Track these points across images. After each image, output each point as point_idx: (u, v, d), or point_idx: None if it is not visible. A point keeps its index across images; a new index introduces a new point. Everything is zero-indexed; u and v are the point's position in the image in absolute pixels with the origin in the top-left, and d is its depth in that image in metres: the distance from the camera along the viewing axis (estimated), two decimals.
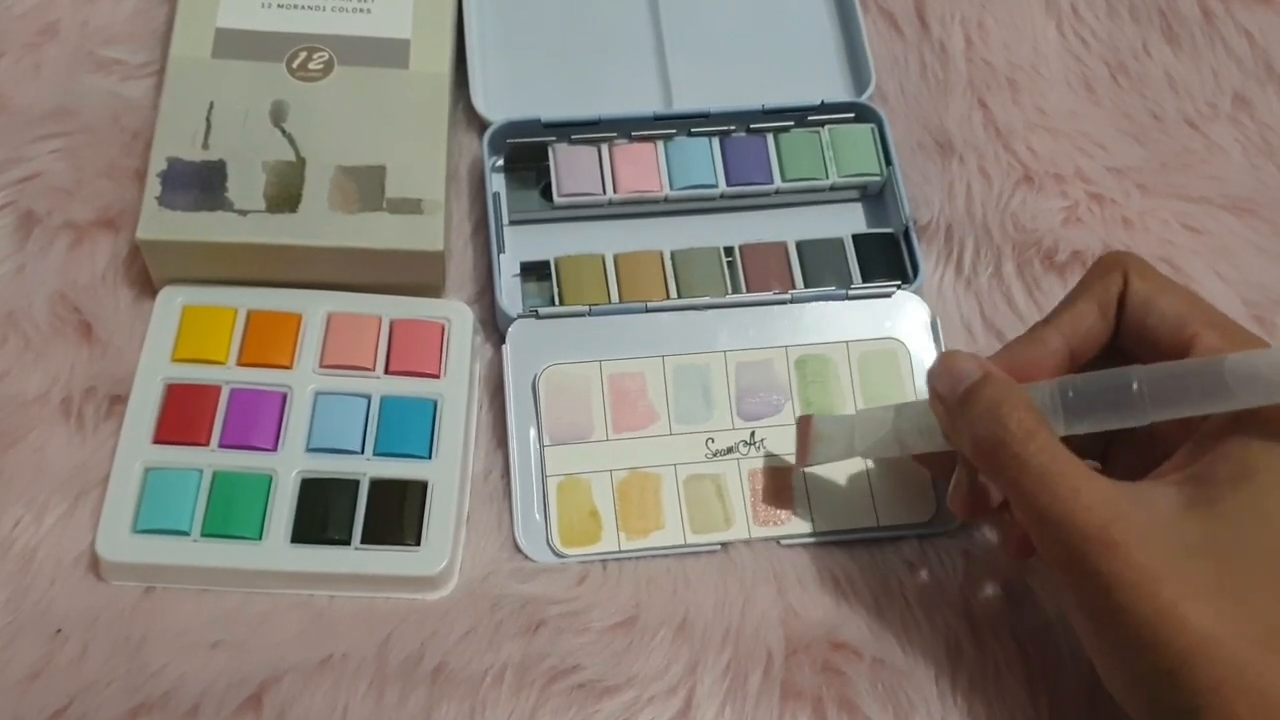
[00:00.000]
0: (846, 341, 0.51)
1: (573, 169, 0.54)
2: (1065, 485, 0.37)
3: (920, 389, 0.51)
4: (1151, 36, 0.61)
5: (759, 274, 0.53)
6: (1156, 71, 0.60)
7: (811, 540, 0.48)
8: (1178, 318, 0.40)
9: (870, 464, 0.49)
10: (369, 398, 0.48)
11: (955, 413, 0.40)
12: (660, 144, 0.55)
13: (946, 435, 0.42)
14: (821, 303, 0.52)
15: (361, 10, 0.54)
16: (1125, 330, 0.42)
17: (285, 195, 0.49)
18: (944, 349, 0.51)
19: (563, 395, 0.50)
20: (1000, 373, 0.40)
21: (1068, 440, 0.38)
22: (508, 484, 0.48)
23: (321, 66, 0.52)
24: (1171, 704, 0.36)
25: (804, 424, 0.48)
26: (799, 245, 0.54)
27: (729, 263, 0.53)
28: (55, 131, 0.53)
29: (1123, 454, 0.43)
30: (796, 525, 0.48)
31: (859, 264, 0.53)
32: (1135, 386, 0.38)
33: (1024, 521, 0.39)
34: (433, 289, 0.51)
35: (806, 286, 0.52)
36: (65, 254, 0.51)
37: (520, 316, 0.50)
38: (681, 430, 0.50)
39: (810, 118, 0.55)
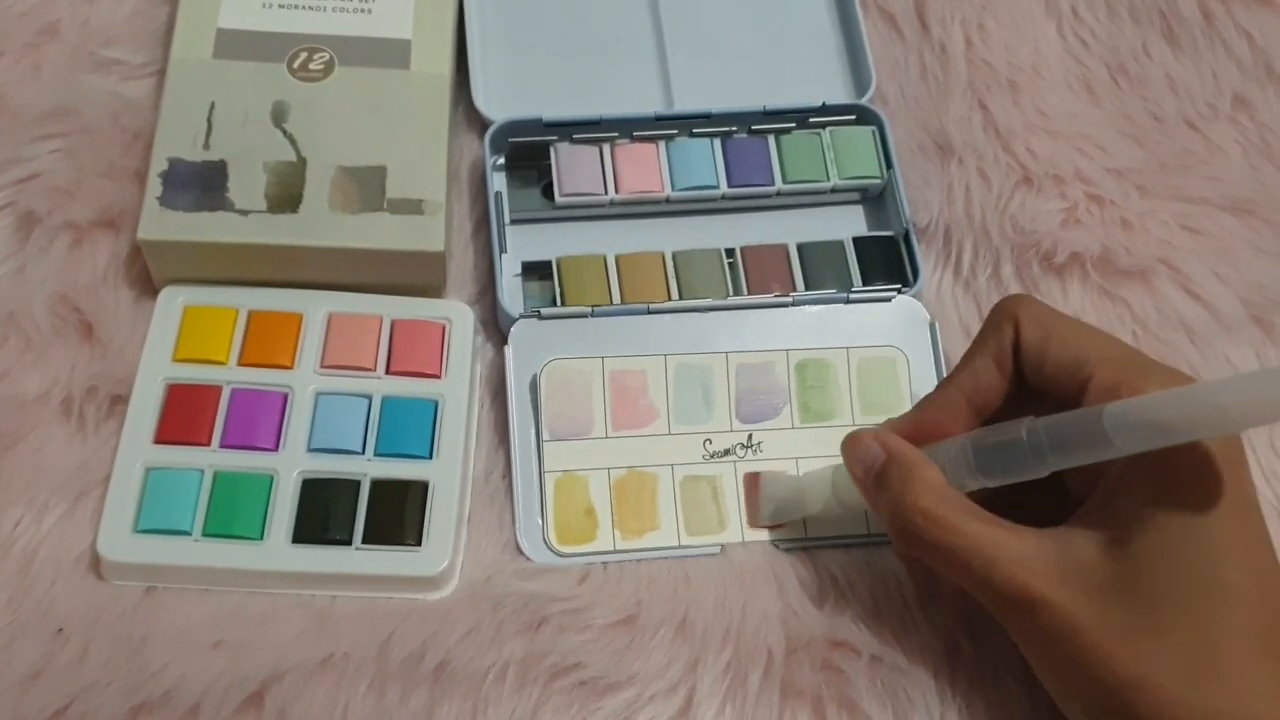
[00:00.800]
0: (847, 347, 0.51)
1: (574, 169, 0.54)
2: (980, 557, 0.38)
3: (919, 397, 0.51)
4: (1151, 38, 0.61)
5: (760, 276, 0.53)
6: (1156, 73, 0.60)
7: (803, 546, 0.48)
8: (1072, 361, 0.40)
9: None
10: (370, 398, 0.48)
11: (871, 495, 0.42)
12: (662, 145, 0.55)
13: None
14: (821, 306, 0.52)
15: (362, 10, 0.54)
16: (1028, 377, 0.41)
17: (286, 195, 0.49)
18: (942, 354, 0.51)
19: (564, 390, 0.50)
20: (903, 451, 0.41)
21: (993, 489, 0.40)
22: (509, 484, 0.48)
23: (322, 67, 0.52)
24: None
25: (751, 482, 0.49)
26: (800, 247, 0.54)
27: (730, 264, 0.53)
28: (55, 132, 0.53)
29: (1048, 494, 0.42)
30: (788, 531, 0.48)
31: (859, 266, 0.53)
32: (1026, 438, 0.38)
33: (965, 588, 0.41)
34: (434, 289, 0.52)
35: (807, 289, 0.52)
36: (66, 254, 0.51)
37: (522, 317, 0.51)
38: (680, 430, 0.50)
39: (811, 120, 0.55)
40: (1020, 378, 0.42)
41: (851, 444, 0.43)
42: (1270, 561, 0.38)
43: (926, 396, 0.44)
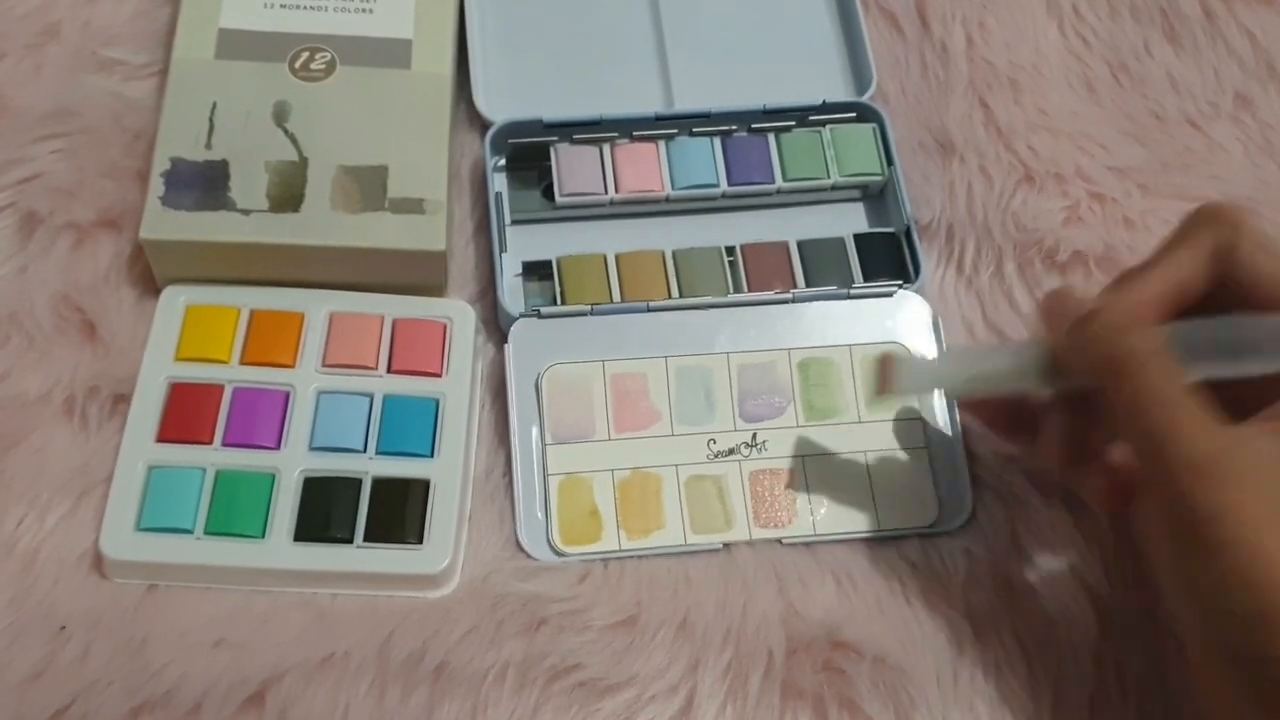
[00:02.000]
0: (850, 345, 0.51)
1: (574, 169, 0.54)
2: (1181, 410, 0.37)
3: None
4: (1153, 36, 0.61)
5: (760, 273, 0.53)
6: (1158, 71, 0.60)
7: (808, 543, 0.48)
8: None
9: (871, 466, 0.49)
10: (371, 396, 0.49)
11: (1074, 332, 0.40)
12: (662, 144, 0.55)
13: (1055, 361, 0.41)
14: (823, 302, 0.52)
15: (364, 10, 0.54)
16: (1239, 284, 0.40)
17: (288, 195, 0.49)
18: (945, 348, 0.51)
19: (565, 394, 0.50)
20: (1130, 307, 0.40)
21: None
22: (509, 483, 0.48)
23: (324, 67, 0.52)
24: (1252, 646, 0.35)
25: (887, 359, 0.46)
26: (800, 245, 0.54)
27: (730, 262, 0.53)
28: (56, 132, 0.53)
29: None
30: (797, 528, 0.48)
31: (860, 263, 0.53)
32: (1247, 336, 0.38)
33: (1132, 442, 0.39)
34: (435, 288, 0.52)
35: (808, 286, 0.52)
36: (68, 254, 0.51)
37: (522, 316, 0.51)
38: (683, 431, 0.50)
39: (811, 118, 0.55)
40: (1231, 282, 0.40)
41: (1061, 290, 0.42)
42: None
43: (1118, 280, 0.42)
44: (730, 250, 0.53)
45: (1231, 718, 0.37)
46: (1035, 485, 0.49)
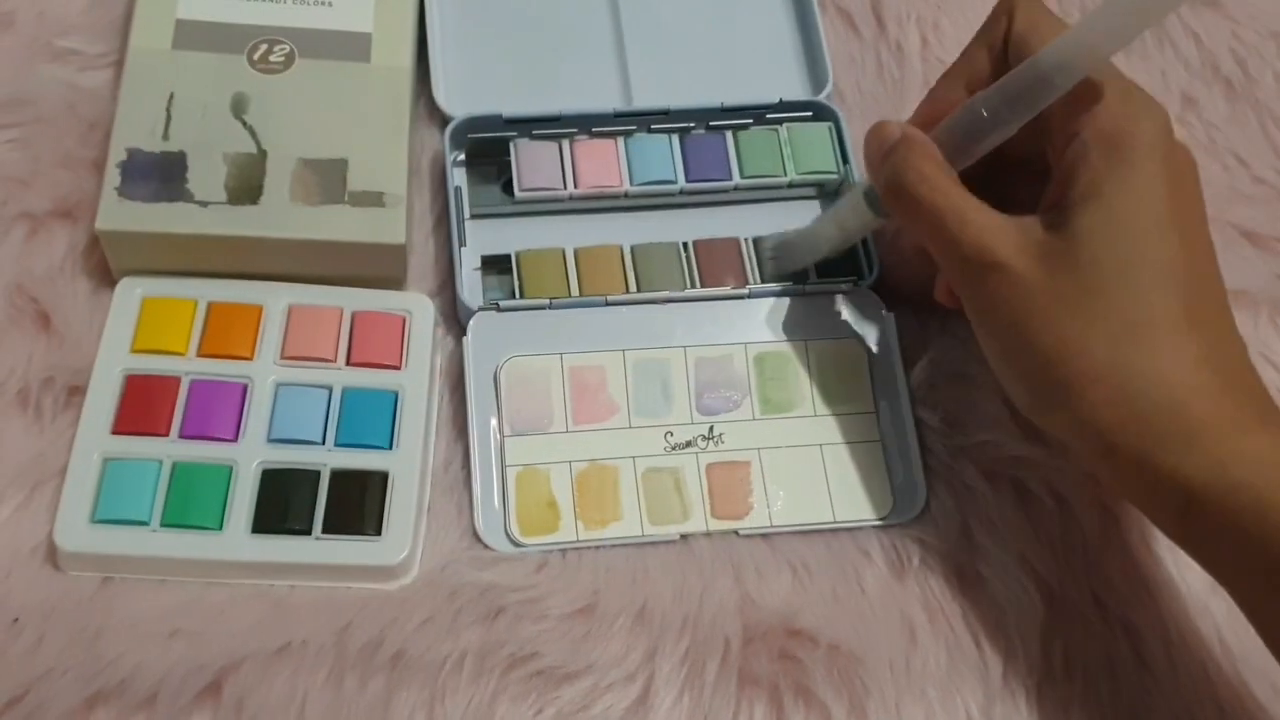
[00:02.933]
0: (805, 340, 0.52)
1: (534, 164, 0.54)
2: (955, 218, 0.43)
3: (878, 388, 0.52)
4: None
5: (712, 269, 0.53)
6: None
7: (764, 534, 0.48)
8: None
9: (827, 459, 0.50)
10: (330, 389, 0.48)
11: (877, 169, 0.46)
12: (620, 140, 0.55)
13: (874, 193, 0.47)
14: (779, 299, 0.53)
15: (323, 3, 0.54)
16: (1013, 65, 0.44)
17: (246, 187, 0.49)
18: (898, 347, 0.52)
19: (524, 386, 0.50)
20: (915, 132, 0.45)
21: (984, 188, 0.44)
22: (467, 475, 0.49)
23: (282, 59, 0.52)
24: (1046, 394, 0.42)
25: (767, 252, 0.53)
26: (755, 241, 0.54)
27: (687, 257, 0.53)
28: (10, 122, 0.53)
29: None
30: (753, 520, 0.49)
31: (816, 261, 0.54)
32: (981, 105, 0.43)
33: (932, 252, 0.45)
34: (394, 282, 0.52)
35: (762, 282, 0.53)
36: (22, 244, 0.51)
37: (481, 309, 0.51)
38: (641, 423, 0.50)
39: (768, 116, 0.56)
40: (1008, 67, 0.44)
41: (875, 129, 0.46)
42: (1205, 252, 0.42)
43: (931, 90, 0.48)
44: (685, 246, 0.54)
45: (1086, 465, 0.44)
46: (986, 477, 0.50)
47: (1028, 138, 0.43)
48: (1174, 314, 0.40)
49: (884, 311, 0.53)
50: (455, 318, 0.52)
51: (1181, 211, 0.41)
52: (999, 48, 0.45)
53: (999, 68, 0.45)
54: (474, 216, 0.54)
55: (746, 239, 0.54)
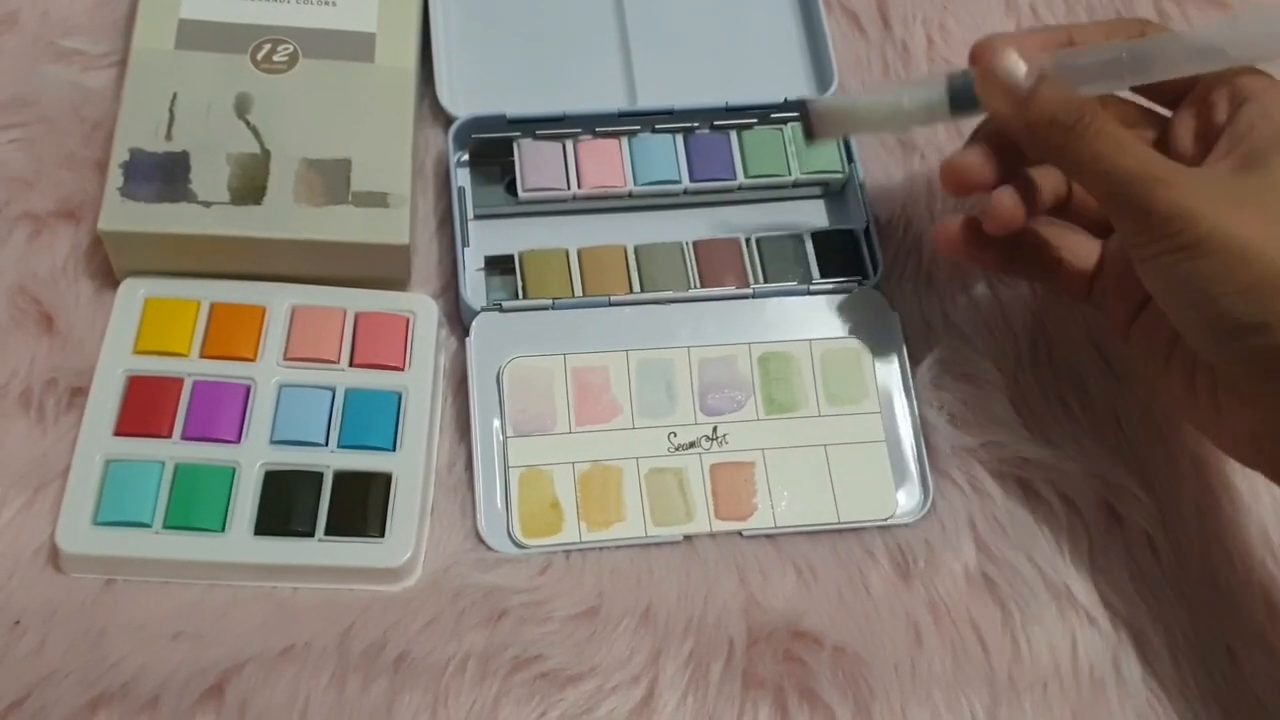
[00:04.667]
0: (809, 340, 0.52)
1: (537, 164, 0.54)
2: (1132, 149, 0.41)
3: (883, 388, 0.51)
4: None
5: (713, 269, 0.53)
6: None
7: (770, 535, 0.48)
8: None
9: (831, 459, 0.50)
10: (333, 390, 0.48)
11: (1023, 100, 0.43)
12: (624, 140, 0.55)
13: (971, 100, 0.45)
14: (783, 299, 0.52)
15: (326, 3, 0.54)
16: None
17: (250, 188, 0.49)
18: (904, 347, 0.52)
19: (526, 387, 0.50)
20: (1090, 101, 0.43)
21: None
22: (470, 476, 0.48)
23: (286, 59, 0.52)
24: (1232, 316, 0.39)
25: (808, 107, 0.48)
26: (757, 241, 0.54)
27: (691, 258, 0.53)
28: (13, 122, 0.53)
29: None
30: (758, 520, 0.48)
31: (819, 260, 0.54)
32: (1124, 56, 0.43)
33: (1089, 185, 0.43)
34: (397, 282, 0.52)
35: (765, 282, 0.53)
36: (25, 245, 0.51)
37: (484, 310, 0.51)
38: (644, 424, 0.50)
39: (773, 115, 0.56)
40: None
41: (1007, 53, 0.44)
42: None
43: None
44: (688, 246, 0.53)
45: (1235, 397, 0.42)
46: (992, 477, 0.49)
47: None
48: None
49: (889, 310, 0.52)
50: (458, 318, 0.52)
51: None
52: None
53: None
54: (477, 217, 0.54)
55: (747, 239, 0.54)
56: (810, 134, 0.48)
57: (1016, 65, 0.43)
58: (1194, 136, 0.45)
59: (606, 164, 0.54)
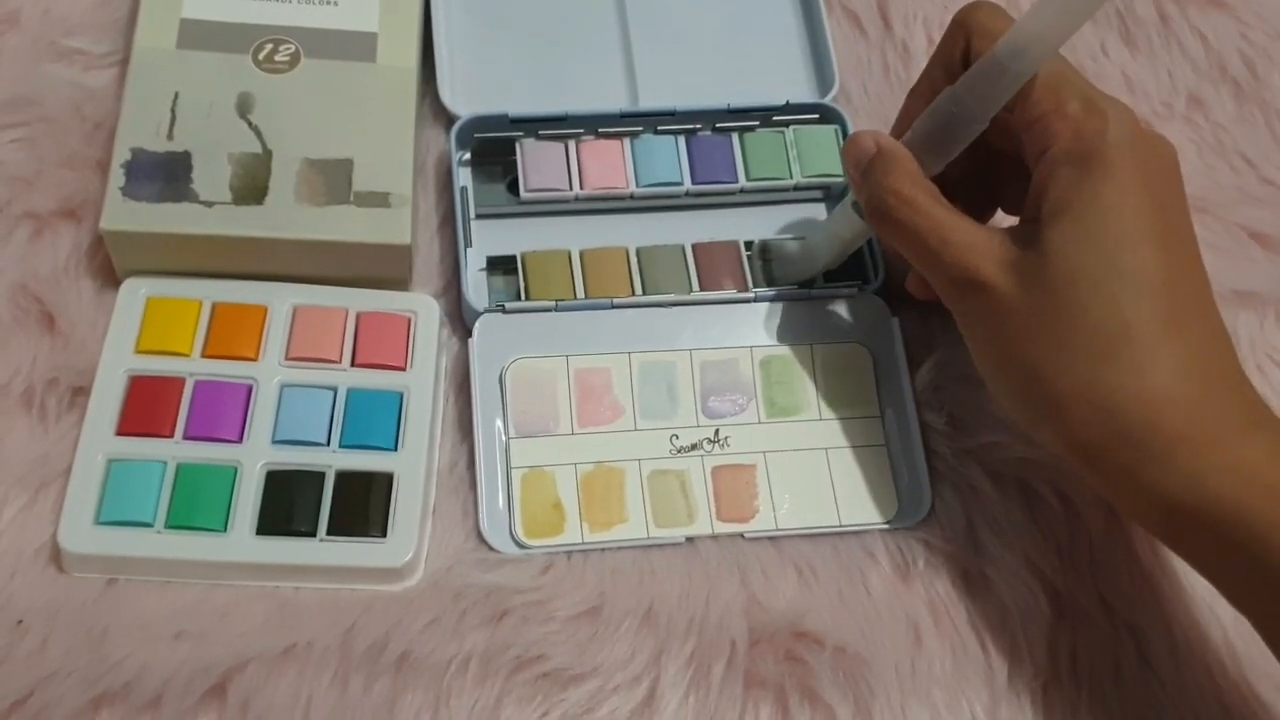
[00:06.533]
0: (811, 344, 0.52)
1: (539, 165, 0.54)
2: (936, 238, 0.43)
3: (883, 392, 0.52)
4: (1109, 38, 0.62)
5: (711, 272, 0.53)
6: (1114, 72, 0.61)
7: (770, 537, 0.48)
8: None
9: (832, 463, 0.50)
10: (335, 390, 0.48)
11: (859, 186, 0.46)
12: (627, 141, 0.55)
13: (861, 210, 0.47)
14: (784, 303, 0.53)
15: (328, 3, 0.54)
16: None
17: (251, 187, 0.49)
18: (903, 351, 0.52)
19: (529, 388, 0.50)
20: (889, 145, 0.45)
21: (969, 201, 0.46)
22: (472, 476, 0.48)
23: (288, 59, 0.52)
24: (1031, 409, 0.42)
25: (765, 252, 0.53)
26: (752, 244, 0.54)
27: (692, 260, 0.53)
28: (15, 121, 0.53)
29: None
30: (759, 523, 0.48)
31: None
32: (949, 101, 0.43)
33: (919, 271, 0.45)
34: (399, 282, 0.52)
35: (760, 285, 0.53)
36: (26, 244, 0.51)
37: (486, 311, 0.51)
38: (646, 426, 0.50)
39: (775, 118, 0.56)
40: None
41: (850, 142, 0.47)
42: (1186, 253, 0.42)
43: (901, 110, 0.49)
44: (688, 248, 0.54)
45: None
46: (992, 479, 0.49)
47: (1006, 140, 0.44)
48: (1151, 325, 0.39)
49: (889, 315, 0.53)
50: (460, 319, 0.52)
51: (1158, 214, 0.41)
52: (956, 64, 0.45)
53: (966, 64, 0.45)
54: (479, 217, 0.54)
55: (746, 242, 0.54)
56: (774, 278, 0.53)
57: (856, 150, 0.46)
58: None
59: (608, 165, 0.54)
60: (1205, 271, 0.42)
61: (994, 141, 0.45)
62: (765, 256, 0.54)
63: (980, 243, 0.42)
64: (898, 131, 0.47)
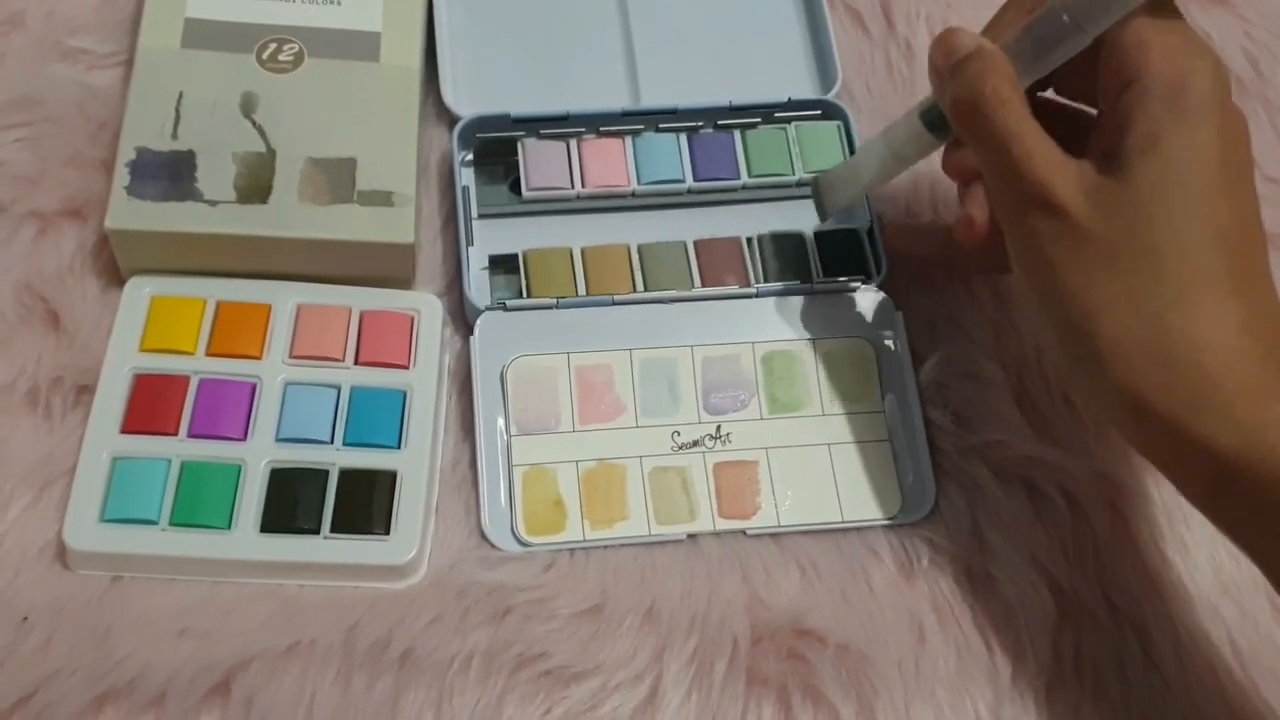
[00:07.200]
0: (813, 339, 0.52)
1: (541, 164, 0.54)
2: (1022, 146, 0.41)
3: (887, 388, 0.52)
4: None
5: (714, 269, 0.53)
6: None
7: (773, 534, 0.48)
8: None
9: (835, 459, 0.50)
10: (339, 388, 0.49)
11: (945, 80, 0.44)
12: (628, 139, 0.55)
13: (937, 103, 0.45)
14: (787, 298, 0.53)
15: (332, 2, 0.54)
16: None
17: (255, 186, 0.49)
18: (907, 347, 0.52)
19: (530, 386, 0.50)
20: (991, 47, 0.43)
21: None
22: (474, 474, 0.49)
23: (292, 58, 0.52)
24: (1079, 347, 0.40)
25: (814, 186, 0.52)
26: (760, 240, 0.54)
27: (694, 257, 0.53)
28: (20, 121, 0.53)
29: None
30: (761, 519, 0.49)
31: (821, 260, 0.54)
32: (1064, 17, 0.42)
33: (986, 177, 0.44)
34: (402, 281, 0.52)
35: (768, 281, 0.53)
36: (31, 243, 0.51)
37: (488, 308, 0.51)
38: (648, 423, 0.50)
39: (777, 115, 0.56)
40: None
41: (945, 33, 0.44)
42: (1254, 216, 0.41)
43: (995, 16, 0.46)
44: (690, 245, 0.54)
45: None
46: (996, 477, 0.49)
47: (1079, 77, 0.43)
48: (1220, 276, 0.39)
49: (893, 309, 0.52)
50: (463, 317, 0.52)
51: (1236, 172, 0.40)
52: None
53: None
54: (482, 216, 0.54)
55: (748, 238, 0.54)
56: (824, 209, 0.52)
57: (950, 45, 0.44)
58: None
59: (610, 163, 0.54)
60: (1265, 236, 0.41)
61: (1066, 83, 0.44)
62: (814, 190, 0.52)
63: (1064, 163, 0.41)
64: (990, 37, 0.45)
